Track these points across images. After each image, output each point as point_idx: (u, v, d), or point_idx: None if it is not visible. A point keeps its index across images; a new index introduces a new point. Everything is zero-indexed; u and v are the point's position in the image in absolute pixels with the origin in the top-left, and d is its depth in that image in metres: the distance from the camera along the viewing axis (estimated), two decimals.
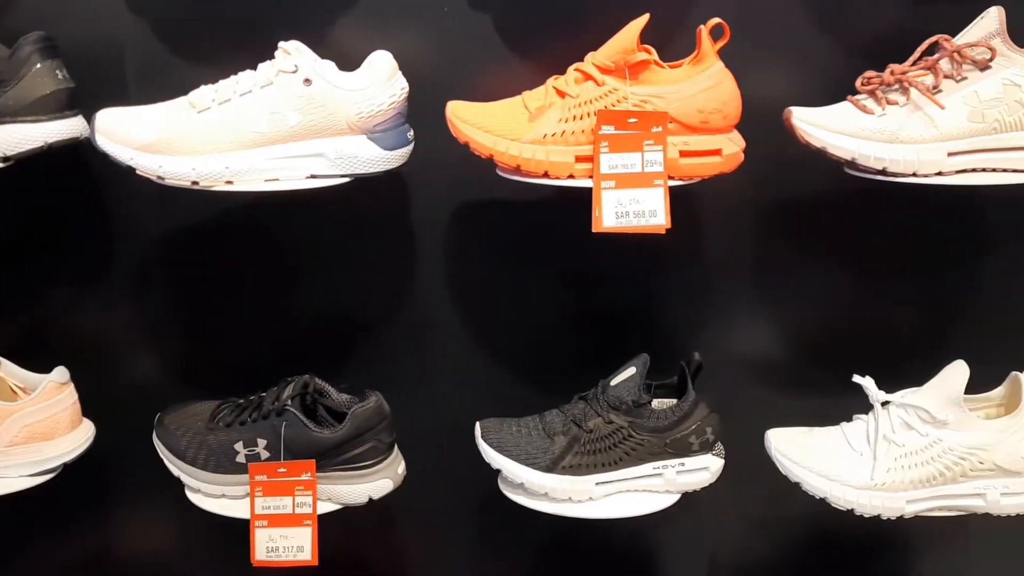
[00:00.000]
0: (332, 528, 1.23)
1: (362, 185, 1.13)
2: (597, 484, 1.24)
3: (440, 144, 1.17)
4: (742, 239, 1.36)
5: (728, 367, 1.39)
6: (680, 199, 1.35)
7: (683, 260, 1.37)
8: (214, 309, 1.37)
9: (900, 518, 1.19)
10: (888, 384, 1.22)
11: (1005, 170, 1.09)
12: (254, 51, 1.15)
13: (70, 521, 1.42)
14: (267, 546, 1.20)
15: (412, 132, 1.17)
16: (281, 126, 1.07)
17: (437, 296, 1.37)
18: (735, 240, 1.36)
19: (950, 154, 1.08)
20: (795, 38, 1.26)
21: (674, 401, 1.26)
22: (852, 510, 1.19)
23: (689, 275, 1.38)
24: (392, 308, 1.37)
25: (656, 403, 1.26)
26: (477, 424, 1.27)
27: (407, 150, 1.14)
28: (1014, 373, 1.20)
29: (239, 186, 1.08)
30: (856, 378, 1.23)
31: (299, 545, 1.21)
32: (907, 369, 1.22)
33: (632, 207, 1.07)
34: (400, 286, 1.37)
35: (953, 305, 1.36)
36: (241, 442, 1.21)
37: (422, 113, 1.17)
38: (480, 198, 1.33)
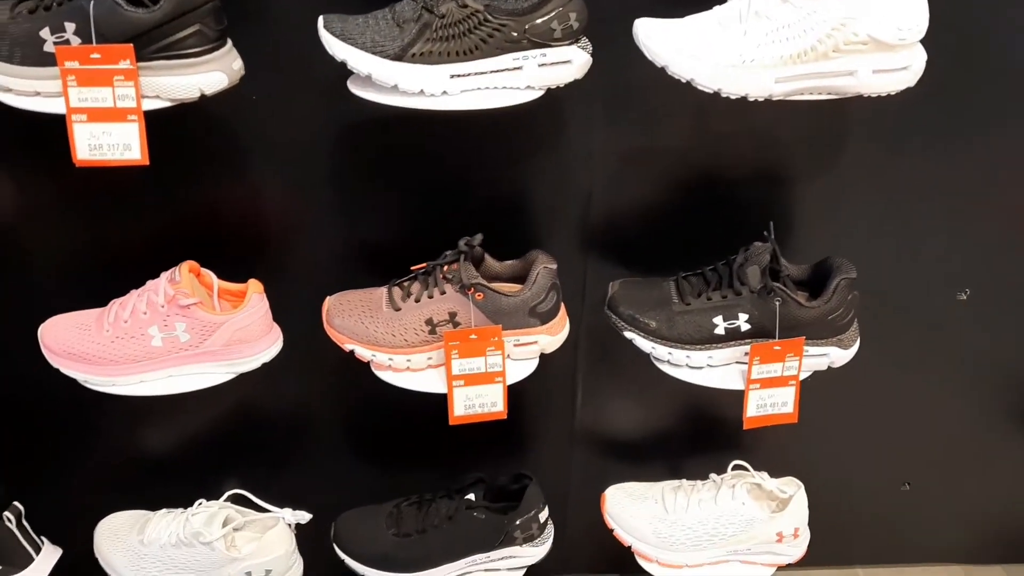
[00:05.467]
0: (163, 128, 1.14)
1: None
2: (451, 77, 1.15)
3: None
4: None
5: None
6: None
7: None
8: None
9: (769, 99, 1.14)
10: None
11: None
12: None
13: None
14: (89, 143, 1.10)
15: None
16: None
17: None
18: None
19: None
20: None
21: None
22: (719, 91, 1.13)
23: None
24: None
25: None
26: (320, 17, 1.16)
27: None
28: None
29: None
30: None
31: (126, 143, 1.10)
32: None
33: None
34: None
35: None
36: (48, 28, 1.07)
37: None
38: None
